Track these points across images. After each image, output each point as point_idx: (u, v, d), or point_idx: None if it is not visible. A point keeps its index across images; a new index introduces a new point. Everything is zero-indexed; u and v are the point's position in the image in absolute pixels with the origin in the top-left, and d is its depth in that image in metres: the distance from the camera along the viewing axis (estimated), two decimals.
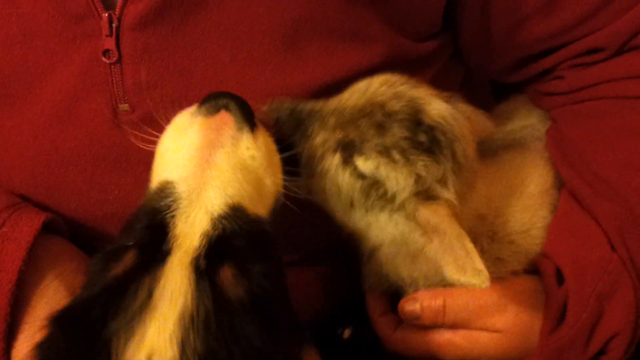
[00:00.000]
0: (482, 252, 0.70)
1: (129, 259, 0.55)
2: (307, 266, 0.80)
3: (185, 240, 0.56)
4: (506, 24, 0.82)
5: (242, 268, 0.55)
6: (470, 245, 0.63)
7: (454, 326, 0.73)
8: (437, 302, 0.72)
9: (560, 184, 0.80)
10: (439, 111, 0.69)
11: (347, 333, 0.85)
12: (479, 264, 0.62)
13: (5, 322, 0.64)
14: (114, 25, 0.69)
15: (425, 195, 0.66)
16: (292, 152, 0.69)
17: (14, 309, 0.65)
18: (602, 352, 0.71)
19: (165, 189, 0.59)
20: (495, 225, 0.74)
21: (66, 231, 0.73)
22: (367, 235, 0.71)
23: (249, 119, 0.62)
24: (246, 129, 0.62)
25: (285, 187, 0.65)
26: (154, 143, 0.64)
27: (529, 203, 0.77)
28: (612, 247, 0.72)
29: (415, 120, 0.67)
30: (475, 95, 0.97)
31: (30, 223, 0.68)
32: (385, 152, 0.66)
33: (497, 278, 0.72)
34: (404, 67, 0.76)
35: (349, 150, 0.68)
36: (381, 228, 0.69)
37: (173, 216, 0.57)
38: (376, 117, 0.67)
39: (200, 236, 0.56)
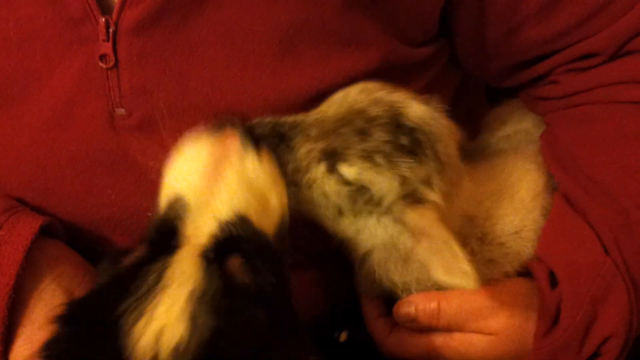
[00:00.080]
0: (473, 254, 0.71)
1: (139, 252, 0.58)
2: (303, 270, 0.80)
3: (194, 240, 0.58)
4: (501, 30, 0.82)
5: (249, 262, 0.57)
6: (457, 248, 0.64)
7: (448, 329, 0.73)
8: (432, 305, 0.72)
9: (553, 188, 0.80)
10: (418, 113, 0.69)
11: (343, 336, 0.85)
12: (466, 265, 0.63)
13: (3, 325, 0.65)
14: (110, 30, 0.69)
15: (411, 198, 0.67)
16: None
17: (12, 312, 0.65)
18: (596, 354, 0.71)
19: (175, 202, 0.61)
20: (485, 227, 0.75)
21: (64, 235, 0.73)
22: (358, 242, 0.71)
23: (254, 140, 0.64)
24: (251, 149, 0.63)
25: None
26: (153, 156, 0.65)
27: (519, 206, 0.77)
28: (606, 251, 0.72)
29: (396, 124, 0.67)
30: (471, 99, 0.97)
31: (27, 226, 0.68)
32: (368, 157, 0.67)
33: (490, 280, 0.73)
34: (400, 73, 0.76)
35: (332, 158, 0.68)
36: (371, 233, 0.70)
37: (183, 223, 0.59)
38: (357, 123, 0.68)
39: (209, 237, 0.58)
